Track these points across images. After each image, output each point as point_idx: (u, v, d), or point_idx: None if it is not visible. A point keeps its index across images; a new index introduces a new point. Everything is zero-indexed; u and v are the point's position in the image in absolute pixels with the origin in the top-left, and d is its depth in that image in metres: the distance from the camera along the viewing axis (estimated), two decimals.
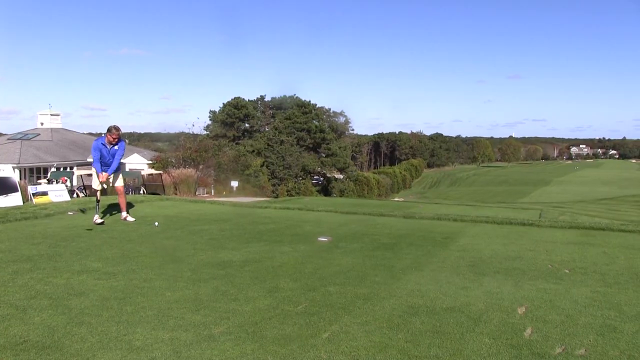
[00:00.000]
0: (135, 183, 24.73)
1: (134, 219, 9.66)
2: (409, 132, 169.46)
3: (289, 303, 4.58)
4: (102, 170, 9.59)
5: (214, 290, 4.99)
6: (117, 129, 9.55)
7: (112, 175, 9.79)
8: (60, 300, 4.60)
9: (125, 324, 4.03)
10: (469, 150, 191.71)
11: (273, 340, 3.72)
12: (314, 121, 74.61)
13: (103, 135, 9.78)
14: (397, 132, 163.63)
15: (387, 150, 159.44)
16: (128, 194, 16.21)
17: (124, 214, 9.83)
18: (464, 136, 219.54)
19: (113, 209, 10.63)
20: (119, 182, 9.98)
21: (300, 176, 69.98)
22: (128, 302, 4.56)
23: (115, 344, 3.63)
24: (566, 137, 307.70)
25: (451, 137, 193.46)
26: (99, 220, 9.22)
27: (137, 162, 46.63)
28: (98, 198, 9.81)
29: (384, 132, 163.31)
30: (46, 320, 4.08)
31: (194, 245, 7.29)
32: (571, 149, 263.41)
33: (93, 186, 10.03)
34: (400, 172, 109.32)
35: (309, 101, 76.40)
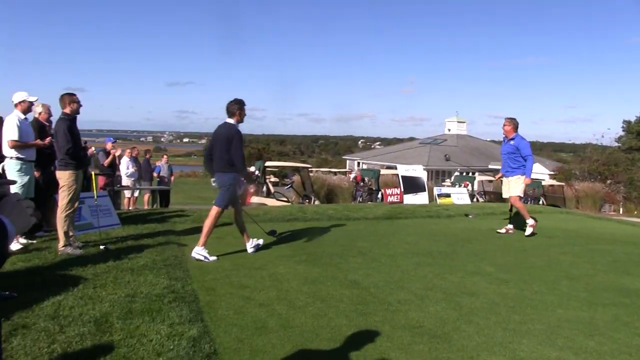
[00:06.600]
0: (535, 193, 24.28)
1: (531, 232, 8.91)
2: None
3: None
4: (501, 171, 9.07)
5: (613, 317, 4.50)
6: (510, 119, 8.70)
7: (511, 180, 8.83)
8: (453, 297, 4.86)
9: (512, 332, 3.99)
10: None
11: None
12: None
13: None
14: None
15: None
16: (526, 203, 16.01)
17: (530, 221, 8.93)
18: None
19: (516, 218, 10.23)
20: (514, 192, 8.85)
21: None
22: (517, 311, 4.50)
23: (500, 350, 3.63)
24: None
25: None
26: (511, 229, 9.05)
27: (538, 171, 45.80)
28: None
29: None
30: (439, 312, 4.37)
31: (594, 265, 6.70)
32: None
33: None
34: None
35: None
